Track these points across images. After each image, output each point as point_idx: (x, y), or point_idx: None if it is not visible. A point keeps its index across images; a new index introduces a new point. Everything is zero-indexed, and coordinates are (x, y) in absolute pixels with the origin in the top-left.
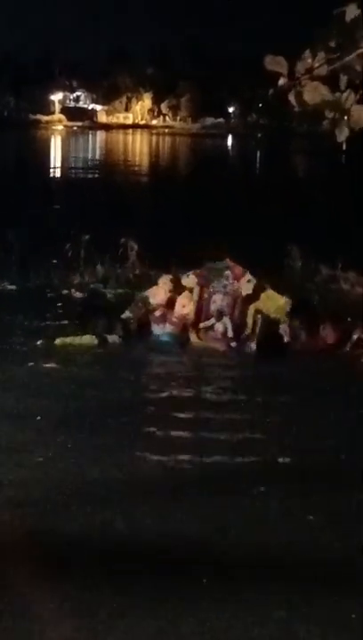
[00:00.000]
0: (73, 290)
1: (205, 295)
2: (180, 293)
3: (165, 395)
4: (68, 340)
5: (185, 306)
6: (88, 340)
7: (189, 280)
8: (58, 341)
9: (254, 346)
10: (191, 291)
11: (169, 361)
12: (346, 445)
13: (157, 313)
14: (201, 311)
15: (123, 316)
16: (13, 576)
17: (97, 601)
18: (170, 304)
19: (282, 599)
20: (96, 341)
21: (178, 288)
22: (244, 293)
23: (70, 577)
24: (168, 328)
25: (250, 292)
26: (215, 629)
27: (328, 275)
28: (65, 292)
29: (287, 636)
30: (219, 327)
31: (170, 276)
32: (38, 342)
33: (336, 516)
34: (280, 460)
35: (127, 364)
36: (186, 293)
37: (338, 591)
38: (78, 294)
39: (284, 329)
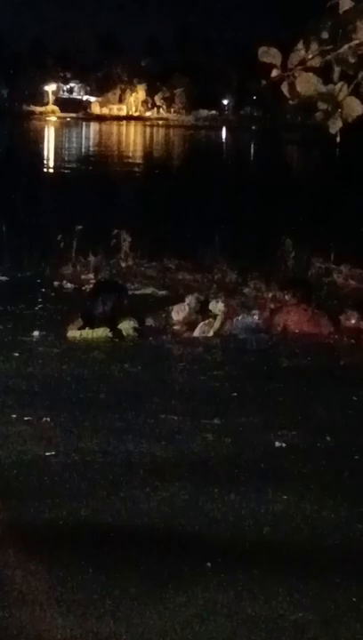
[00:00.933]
0: (65, 281)
1: (226, 326)
2: (204, 316)
3: None
4: (83, 333)
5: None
6: (102, 332)
7: (217, 307)
8: (70, 334)
9: None
10: (215, 317)
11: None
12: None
13: (176, 327)
14: None
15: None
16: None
17: (94, 587)
18: (191, 325)
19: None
20: (110, 334)
21: (204, 310)
22: None
23: (66, 562)
24: None
25: None
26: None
27: (321, 267)
28: (56, 283)
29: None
30: None
31: (198, 296)
32: (35, 334)
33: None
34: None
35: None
36: (209, 321)
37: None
38: (70, 285)
39: None
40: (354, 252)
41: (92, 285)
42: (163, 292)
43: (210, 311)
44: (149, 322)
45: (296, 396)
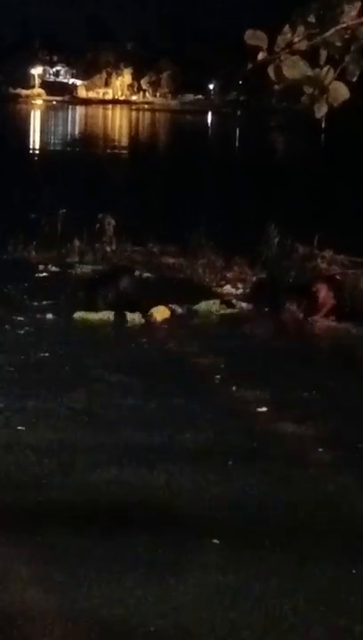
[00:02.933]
0: (50, 265)
1: None
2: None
3: None
4: (88, 315)
5: None
6: (104, 316)
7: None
8: (76, 315)
9: None
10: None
11: None
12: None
13: None
14: None
15: None
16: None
17: (95, 562)
18: None
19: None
20: (112, 318)
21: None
22: None
23: (66, 537)
24: None
25: None
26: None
27: (305, 252)
28: (41, 266)
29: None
30: None
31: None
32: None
33: None
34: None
35: None
36: None
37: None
38: (55, 269)
39: None
40: (337, 237)
41: (78, 269)
42: (147, 275)
43: None
44: None
45: None
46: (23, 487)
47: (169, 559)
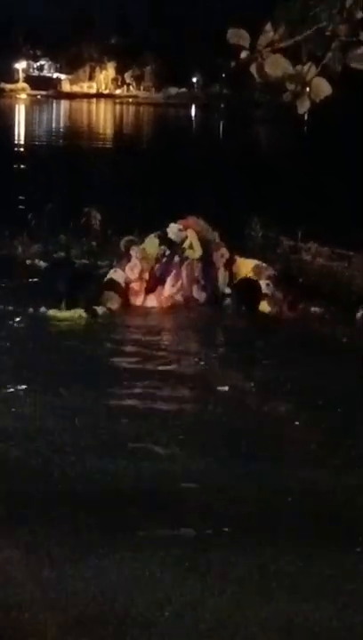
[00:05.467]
0: (37, 259)
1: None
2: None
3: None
4: (60, 312)
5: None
6: (79, 312)
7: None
8: (51, 312)
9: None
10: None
11: None
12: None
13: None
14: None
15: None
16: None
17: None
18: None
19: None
20: (85, 314)
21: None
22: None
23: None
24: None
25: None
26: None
27: (289, 245)
28: (29, 261)
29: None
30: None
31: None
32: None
33: None
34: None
35: None
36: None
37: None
38: (42, 263)
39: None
40: (322, 229)
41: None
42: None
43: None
44: None
45: None
46: None
47: None
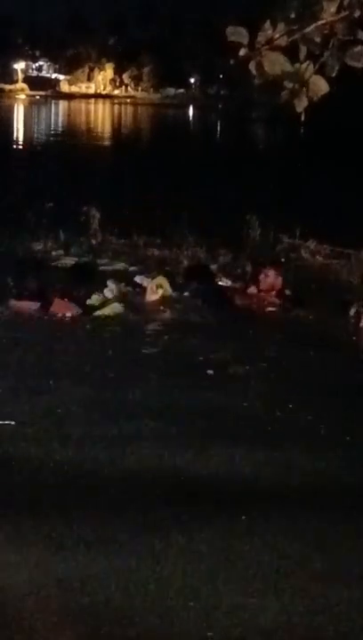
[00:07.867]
0: (37, 257)
1: None
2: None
3: None
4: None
5: None
6: (118, 308)
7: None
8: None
9: None
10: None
11: None
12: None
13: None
14: None
15: None
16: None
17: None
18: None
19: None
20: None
21: None
22: None
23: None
24: None
25: None
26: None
27: (288, 244)
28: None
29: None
30: None
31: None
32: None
33: None
34: None
35: None
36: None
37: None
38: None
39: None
40: (320, 228)
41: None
42: (134, 268)
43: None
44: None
45: None
46: None
47: None
